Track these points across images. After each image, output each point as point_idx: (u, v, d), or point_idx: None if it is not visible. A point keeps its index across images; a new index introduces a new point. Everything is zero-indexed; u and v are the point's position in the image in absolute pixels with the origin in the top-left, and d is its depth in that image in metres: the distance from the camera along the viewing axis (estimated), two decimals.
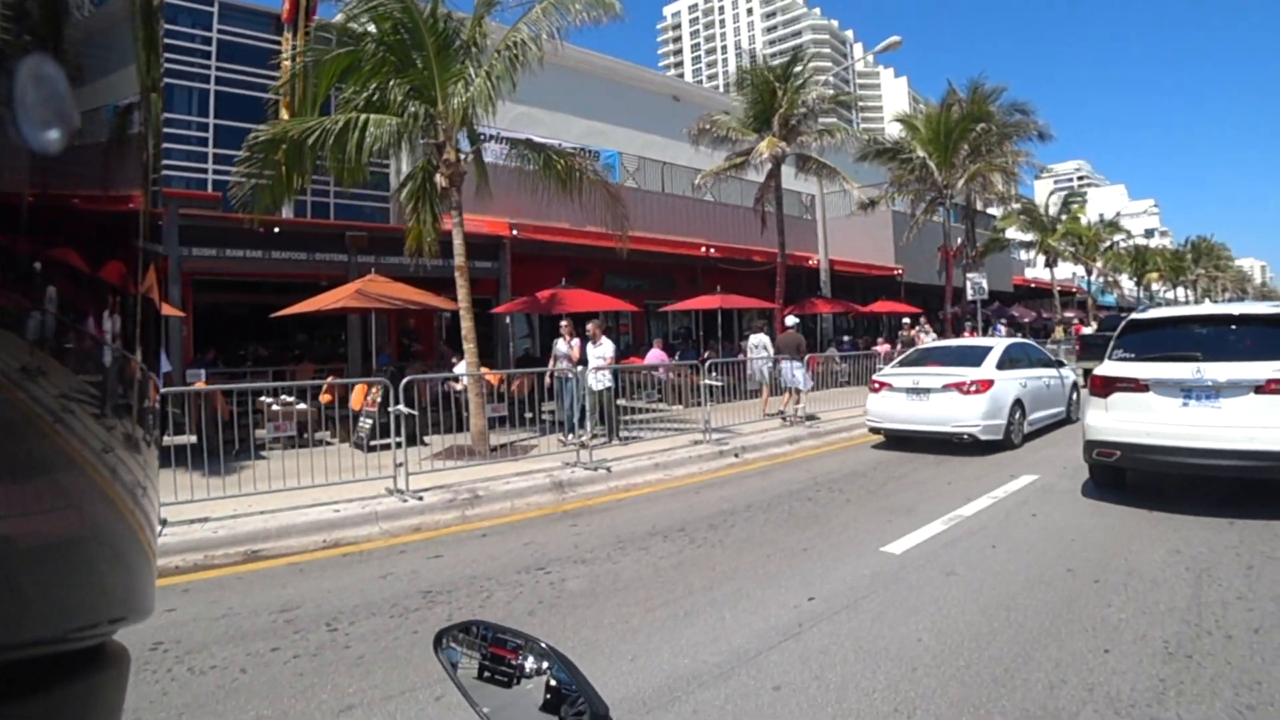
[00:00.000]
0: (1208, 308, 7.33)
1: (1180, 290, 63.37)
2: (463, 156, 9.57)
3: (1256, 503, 5.88)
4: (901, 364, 10.68)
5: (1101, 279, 47.29)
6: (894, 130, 23.37)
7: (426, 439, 8.65)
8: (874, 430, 10.03)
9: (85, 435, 0.43)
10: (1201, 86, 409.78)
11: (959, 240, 24.69)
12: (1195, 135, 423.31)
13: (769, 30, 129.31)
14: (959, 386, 9.10)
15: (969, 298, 19.41)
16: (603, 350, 9.98)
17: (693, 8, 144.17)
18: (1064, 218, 32.99)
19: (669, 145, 20.67)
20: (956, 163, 19.94)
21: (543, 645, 0.90)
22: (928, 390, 9.34)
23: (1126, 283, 53.47)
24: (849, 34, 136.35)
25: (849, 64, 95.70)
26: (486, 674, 0.90)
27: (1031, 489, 7.03)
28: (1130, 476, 6.63)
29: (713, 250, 18.21)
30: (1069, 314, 40.19)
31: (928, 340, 16.21)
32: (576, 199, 10.41)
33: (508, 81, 8.89)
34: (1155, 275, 52.85)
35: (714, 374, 10.56)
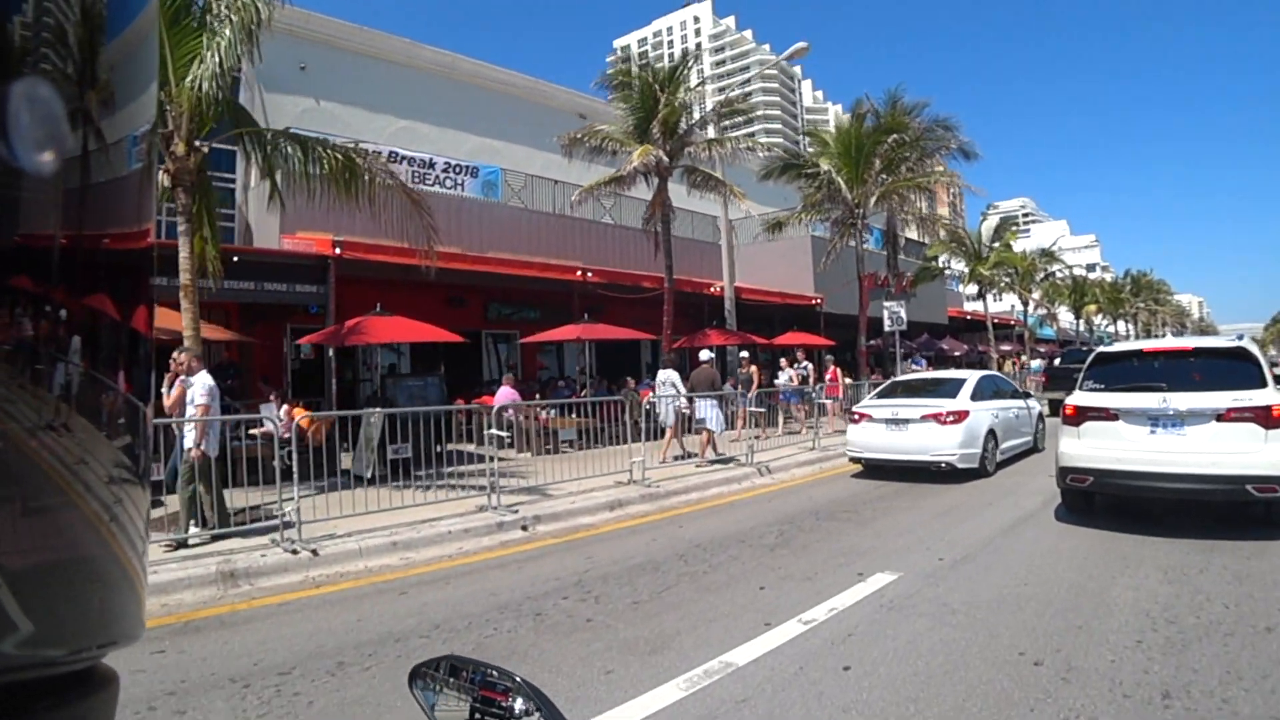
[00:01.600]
0: (1170, 341, 8.03)
1: (1120, 324, 65.81)
2: (199, 148, 7.96)
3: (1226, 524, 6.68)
4: (880, 395, 11.55)
5: (1039, 311, 48.31)
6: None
7: None
8: (854, 460, 10.90)
9: (74, 461, 0.45)
10: (1144, 130, 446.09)
11: (885, 269, 24.19)
12: (1137, 176, 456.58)
13: (717, 65, 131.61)
14: (937, 417, 9.96)
15: (886, 328, 18.56)
16: (196, 390, 6.74)
17: (642, 41, 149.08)
18: (996, 245, 33.21)
19: (575, 165, 19.46)
20: (869, 179, 19.16)
21: (527, 685, 0.91)
22: (907, 421, 10.19)
23: (1066, 315, 55.00)
24: (798, 70, 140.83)
25: (797, 99, 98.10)
26: (478, 716, 0.91)
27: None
28: (1098, 500, 7.42)
29: (590, 274, 16.80)
30: (1006, 347, 40.58)
31: (786, 376, 16.00)
32: (368, 208, 8.93)
33: (234, 52, 7.36)
34: (1094, 308, 54.44)
35: (568, 414, 10.12)
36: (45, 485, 0.43)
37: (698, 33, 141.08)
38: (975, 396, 10.54)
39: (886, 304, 18.49)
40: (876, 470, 10.68)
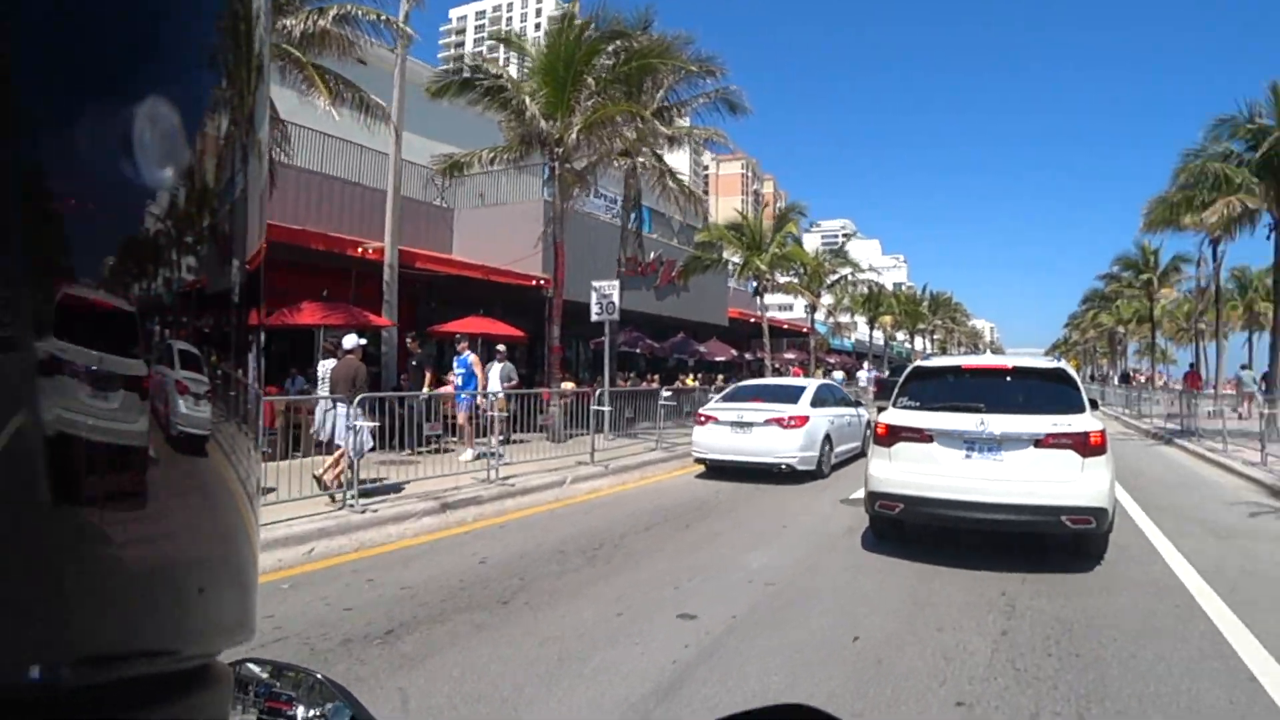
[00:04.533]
0: (991, 358, 8.66)
1: (919, 340, 72.37)
2: None
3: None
4: (725, 399, 13.60)
5: (831, 318, 51.31)
6: None
7: None
8: (700, 460, 12.93)
9: (194, 462, 0.52)
10: (954, 162, 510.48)
11: (655, 252, 23.20)
12: (946, 205, 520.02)
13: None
14: (779, 421, 11.92)
15: (593, 316, 17.37)
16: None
17: (480, 14, 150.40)
18: (777, 236, 34.02)
19: None
20: (577, 106, 16.89)
21: (329, 684, 0.96)
22: (750, 424, 12.15)
23: (863, 326, 59.05)
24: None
25: None
26: None
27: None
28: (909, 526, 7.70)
29: None
30: (790, 356, 42.21)
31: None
32: None
33: None
34: (889, 319, 58.99)
35: None
36: (169, 485, 0.49)
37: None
38: (815, 403, 12.72)
39: (596, 286, 17.38)
40: (718, 471, 12.74)
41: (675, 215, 29.16)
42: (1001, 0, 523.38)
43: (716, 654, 5.07)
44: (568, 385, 18.82)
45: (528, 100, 16.97)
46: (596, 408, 14.53)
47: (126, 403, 0.46)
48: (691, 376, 33.10)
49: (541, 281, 22.06)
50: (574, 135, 16.86)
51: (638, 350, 28.47)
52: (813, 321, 43.16)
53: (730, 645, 5.22)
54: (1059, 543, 7.29)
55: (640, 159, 20.00)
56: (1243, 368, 31.38)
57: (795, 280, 38.73)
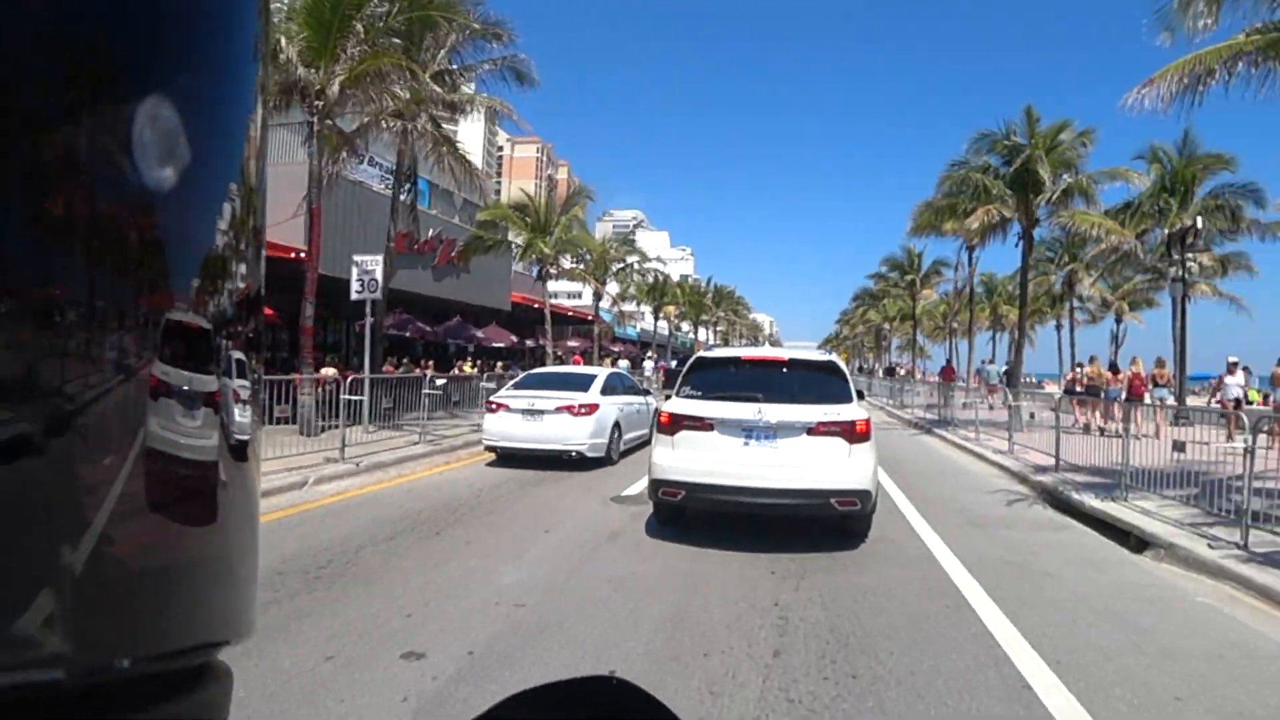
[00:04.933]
0: (768, 350, 9.24)
1: (702, 330, 74.89)
2: None
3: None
4: (517, 386, 13.85)
5: (617, 307, 51.60)
6: None
7: None
8: (490, 448, 13.11)
9: (192, 459, 0.51)
10: (745, 160, 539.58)
11: (434, 230, 21.41)
12: (735, 202, 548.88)
13: None
14: (570, 409, 12.34)
15: (353, 294, 15.72)
16: None
17: None
18: (562, 219, 33.26)
19: None
20: (342, 55, 15.42)
21: None
22: (542, 412, 12.46)
23: (649, 316, 59.99)
24: None
25: None
26: None
27: None
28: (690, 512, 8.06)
29: None
30: (574, 343, 41.78)
31: None
32: None
33: None
34: (673, 309, 60.39)
35: None
36: (166, 483, 0.49)
37: None
38: (605, 391, 13.21)
39: (357, 259, 15.66)
40: (508, 459, 12.86)
41: (455, 190, 27.57)
42: (794, 9, 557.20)
43: (440, 707, 4.08)
44: (329, 371, 17.10)
45: (284, 42, 14.91)
46: (348, 397, 13.02)
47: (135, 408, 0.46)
48: (471, 363, 31.65)
49: (301, 254, 19.84)
50: (337, 87, 15.06)
51: (407, 334, 26.63)
52: (598, 309, 43.01)
53: (459, 694, 4.22)
54: (828, 525, 7.76)
55: (416, 124, 18.36)
56: (987, 363, 34.75)
57: (581, 266, 38.28)
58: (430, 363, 25.95)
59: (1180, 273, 19.85)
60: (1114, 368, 22.45)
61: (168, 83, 0.46)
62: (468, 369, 28.12)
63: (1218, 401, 17.69)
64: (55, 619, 0.42)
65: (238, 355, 0.53)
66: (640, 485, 10.35)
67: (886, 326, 58.82)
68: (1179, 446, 9.67)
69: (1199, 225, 19.22)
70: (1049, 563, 7.49)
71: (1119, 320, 38.02)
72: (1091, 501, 9.98)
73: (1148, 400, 18.32)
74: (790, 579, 6.56)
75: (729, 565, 6.96)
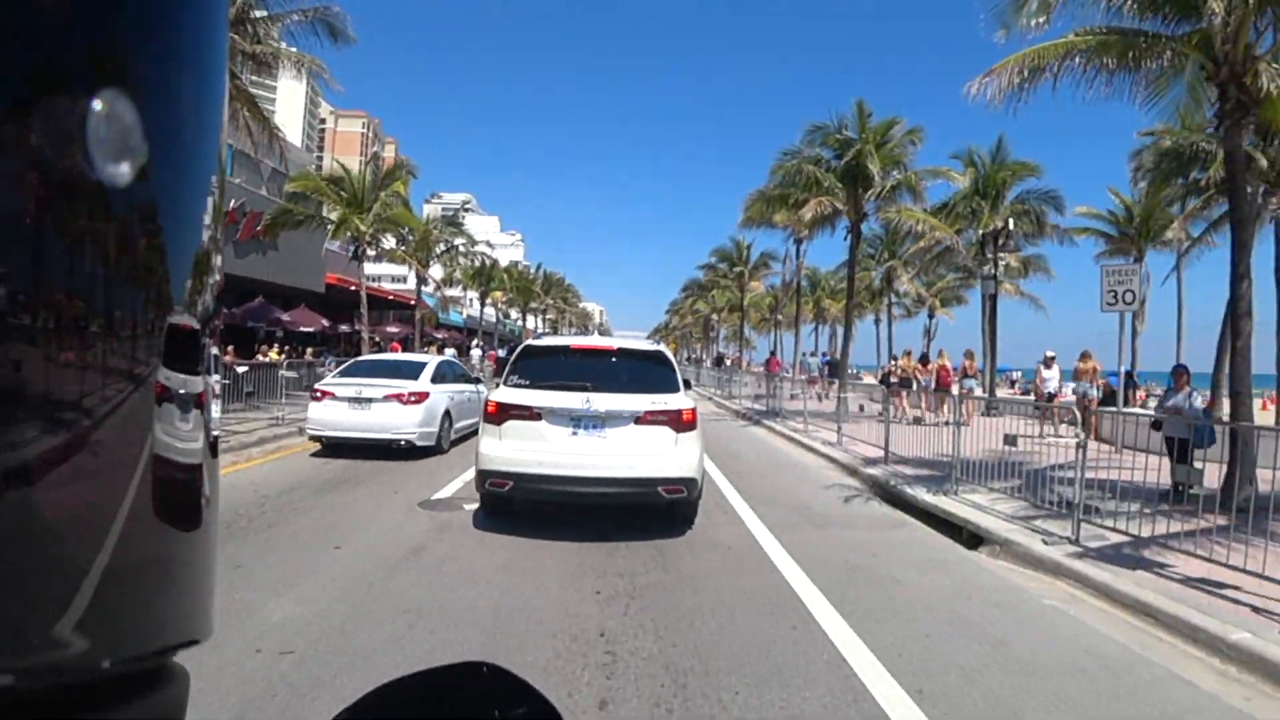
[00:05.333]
0: (597, 339, 9.39)
1: (531, 318, 73.53)
2: None
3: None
4: (343, 374, 13.71)
5: (440, 291, 49.32)
6: None
7: None
8: (314, 438, 12.64)
9: (147, 460, 0.50)
10: (578, 148, 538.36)
11: (236, 200, 18.59)
12: (567, 188, 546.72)
13: None
14: (399, 397, 12.35)
15: None
16: None
17: None
18: (382, 195, 30.90)
19: None
20: None
21: None
22: (370, 400, 12.31)
23: (475, 301, 57.95)
24: None
25: None
26: None
27: None
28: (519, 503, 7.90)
29: None
30: (394, 329, 39.37)
31: None
32: None
33: None
34: (500, 294, 58.70)
35: None
36: (119, 484, 0.47)
37: None
38: (435, 379, 13.09)
39: None
40: (334, 449, 12.23)
41: (252, 152, 24.80)
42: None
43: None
44: None
45: None
46: None
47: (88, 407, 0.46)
48: (278, 349, 28.80)
49: None
50: None
51: None
52: (420, 293, 40.85)
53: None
54: (655, 513, 7.81)
55: None
56: (809, 355, 35.76)
57: (402, 248, 36.08)
58: (230, 348, 23.29)
59: (993, 270, 20.87)
60: (925, 360, 23.41)
61: (140, 81, 0.45)
62: (274, 355, 25.44)
63: (1038, 395, 18.49)
64: (10, 623, 0.41)
65: (213, 352, 0.54)
66: (454, 486, 9.80)
67: (715, 317, 59.96)
68: (1010, 440, 9.61)
69: (1010, 226, 20.24)
70: (892, 565, 7.03)
71: (931, 315, 40.35)
72: (925, 496, 9.80)
73: (955, 390, 19.19)
74: (618, 600, 5.65)
75: (547, 587, 5.96)
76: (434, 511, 8.38)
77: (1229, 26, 8.94)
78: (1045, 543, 7.63)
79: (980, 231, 22.34)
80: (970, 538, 8.38)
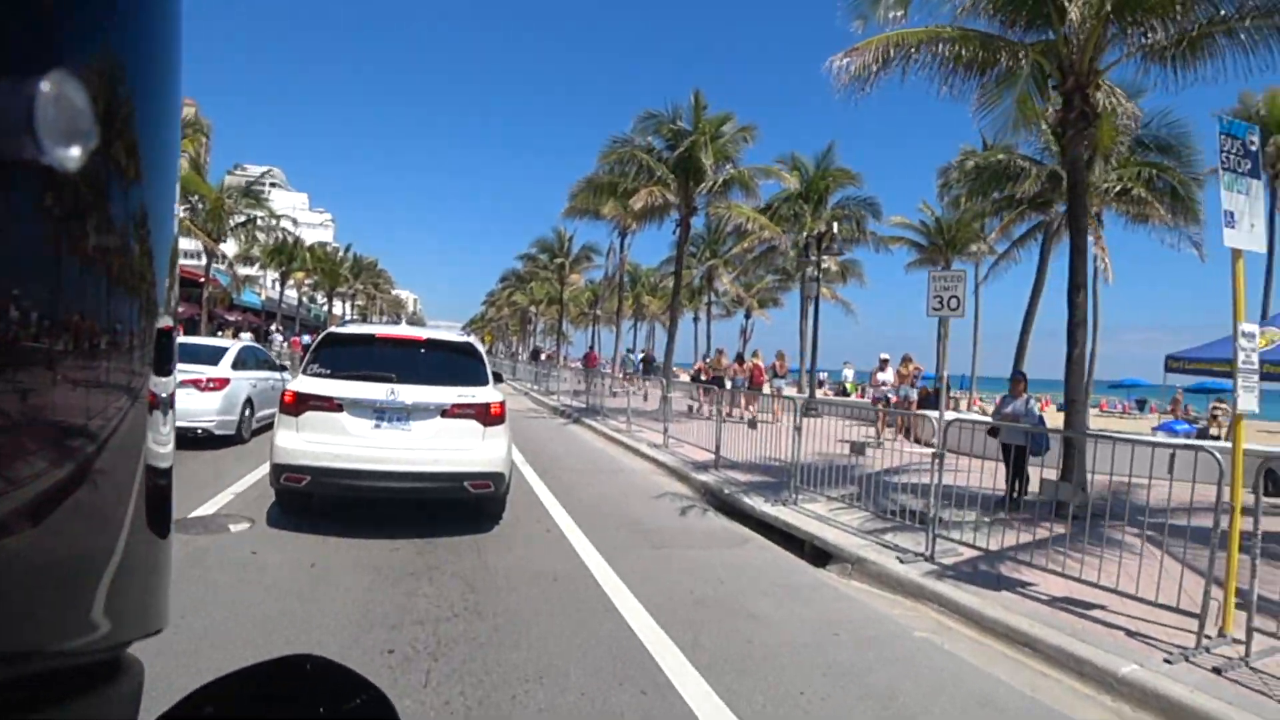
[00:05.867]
0: (404, 329, 8.70)
1: (339, 303, 68.82)
2: None
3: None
4: None
5: (234, 268, 44.80)
6: None
7: None
8: None
9: (97, 449, 0.49)
10: (393, 128, 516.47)
11: None
12: (382, 170, 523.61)
13: None
14: (197, 383, 11.51)
15: None
16: None
17: None
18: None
19: None
20: None
21: None
22: None
23: (277, 282, 53.31)
24: None
25: None
26: None
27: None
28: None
29: None
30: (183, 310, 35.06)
31: None
32: None
33: None
34: (303, 275, 54.33)
35: None
36: (70, 474, 0.47)
37: None
38: (236, 365, 12.51)
39: None
40: None
41: None
42: None
43: None
44: None
45: None
46: None
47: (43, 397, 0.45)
48: None
49: None
50: None
51: None
52: (209, 269, 36.74)
53: None
54: (462, 511, 7.46)
55: None
56: (629, 352, 35.20)
57: (188, 217, 32.29)
58: None
59: (816, 272, 20.92)
60: (740, 359, 23.58)
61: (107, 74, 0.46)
62: None
63: (871, 399, 18.55)
64: None
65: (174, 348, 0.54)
66: (234, 490, 8.43)
67: (533, 310, 58.20)
68: (858, 449, 8.99)
69: (835, 230, 20.36)
70: (744, 594, 6.05)
71: (748, 316, 40.97)
72: (764, 506, 9.01)
73: (767, 389, 19.48)
74: (417, 662, 4.22)
75: (324, 646, 4.35)
76: (188, 535, 6.50)
77: (1081, 35, 8.91)
78: (901, 561, 6.97)
79: (805, 234, 22.36)
80: (815, 551, 7.67)
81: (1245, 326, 5.54)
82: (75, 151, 0.42)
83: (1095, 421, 22.37)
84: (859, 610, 6.00)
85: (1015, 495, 9.00)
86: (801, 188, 23.83)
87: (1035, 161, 18.74)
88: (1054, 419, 27.01)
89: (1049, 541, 7.31)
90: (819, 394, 24.12)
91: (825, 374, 34.82)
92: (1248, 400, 5.63)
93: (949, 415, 10.19)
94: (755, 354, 23.30)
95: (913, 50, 9.68)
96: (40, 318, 0.41)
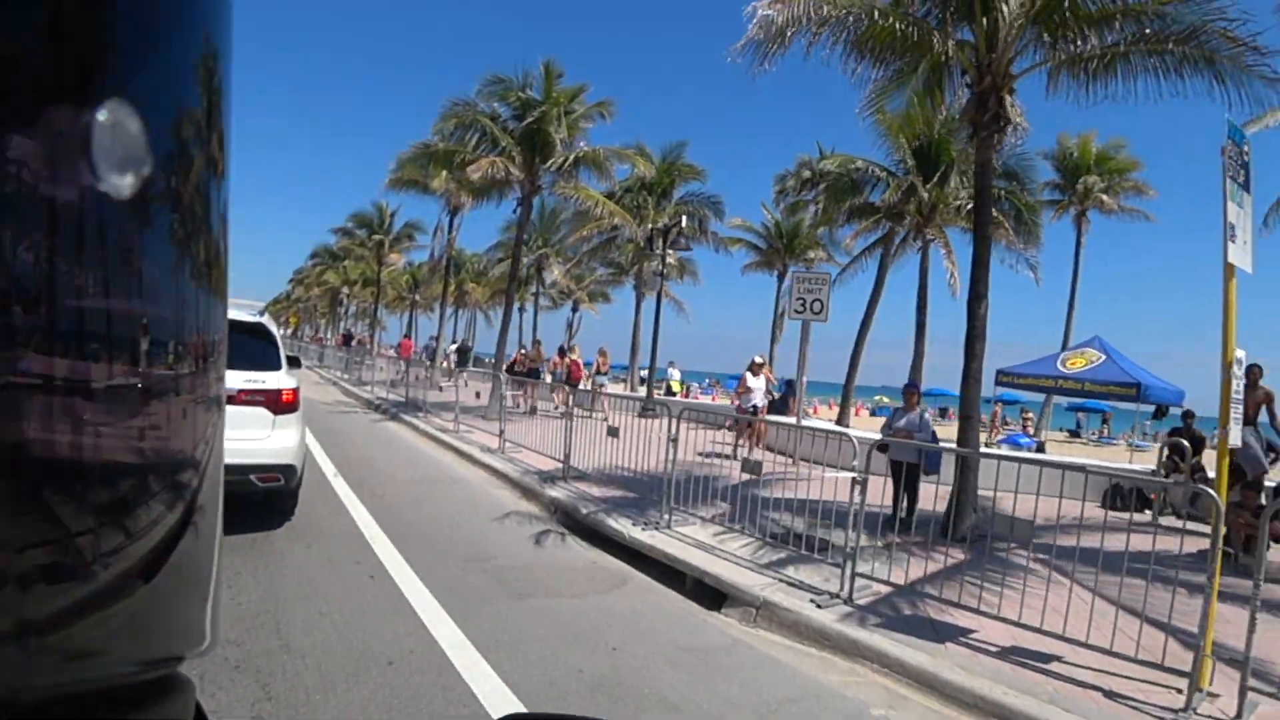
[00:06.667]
0: None
1: None
2: None
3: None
4: None
5: None
6: None
7: None
8: None
9: (157, 468, 0.49)
10: None
11: None
12: None
13: None
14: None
15: None
16: None
17: None
18: None
19: None
20: None
21: None
22: None
23: None
24: None
25: None
26: None
27: None
28: None
29: None
30: None
31: None
32: None
33: None
34: None
35: None
36: (128, 494, 0.46)
37: None
38: None
39: None
40: None
41: None
42: None
43: None
44: None
45: None
46: None
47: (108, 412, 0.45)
48: None
49: None
50: None
51: None
52: None
53: None
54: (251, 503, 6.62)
55: None
56: (434, 339, 33.28)
57: None
58: None
59: (662, 267, 19.83)
60: (561, 352, 22.73)
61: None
62: None
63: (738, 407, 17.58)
64: (21, 630, 0.40)
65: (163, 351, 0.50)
66: None
67: (345, 291, 53.63)
68: (751, 468, 7.74)
69: (684, 224, 19.39)
70: (649, 667, 4.60)
71: (576, 309, 39.53)
72: (635, 532, 7.62)
73: (584, 385, 18.74)
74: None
75: None
76: None
77: (1007, 35, 8.34)
78: (817, 605, 5.80)
79: (650, 226, 21.17)
80: (694, 584, 6.49)
81: (1239, 354, 4.82)
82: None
83: None
84: (791, 680, 4.71)
85: (903, 516, 8.21)
86: (645, 178, 22.68)
87: (891, 173, 18.76)
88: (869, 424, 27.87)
89: (962, 570, 6.66)
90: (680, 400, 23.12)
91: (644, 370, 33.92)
92: (1236, 434, 4.94)
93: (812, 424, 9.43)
94: (573, 349, 22.48)
95: (842, 13, 8.67)
96: (82, 322, 0.41)
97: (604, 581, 6.40)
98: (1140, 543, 6.85)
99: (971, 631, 5.47)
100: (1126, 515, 9.06)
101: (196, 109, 0.49)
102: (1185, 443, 10.23)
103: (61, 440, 0.41)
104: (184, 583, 0.53)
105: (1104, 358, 14.97)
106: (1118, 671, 4.89)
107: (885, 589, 6.27)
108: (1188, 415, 11.72)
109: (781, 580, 6.35)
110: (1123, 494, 10.32)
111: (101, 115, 0.41)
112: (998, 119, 8.52)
